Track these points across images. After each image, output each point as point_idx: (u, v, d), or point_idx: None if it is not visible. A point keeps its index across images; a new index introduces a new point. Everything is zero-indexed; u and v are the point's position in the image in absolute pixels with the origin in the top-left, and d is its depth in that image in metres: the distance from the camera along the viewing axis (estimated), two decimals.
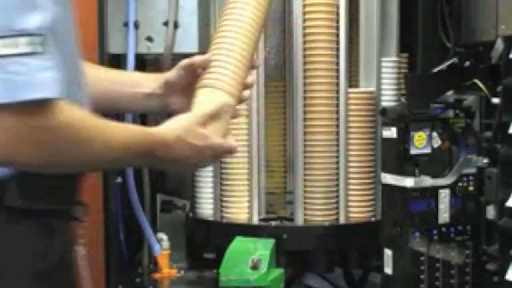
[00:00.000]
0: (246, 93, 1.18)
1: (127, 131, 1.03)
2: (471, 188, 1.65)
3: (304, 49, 1.72)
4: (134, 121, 1.76)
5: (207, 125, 1.09)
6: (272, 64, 1.83)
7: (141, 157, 1.03)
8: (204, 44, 1.74)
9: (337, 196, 1.75)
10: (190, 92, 1.16)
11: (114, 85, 1.24)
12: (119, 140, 0.99)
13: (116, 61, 1.81)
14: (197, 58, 1.17)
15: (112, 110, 1.27)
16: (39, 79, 0.88)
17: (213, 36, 1.20)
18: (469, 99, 1.68)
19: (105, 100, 1.22)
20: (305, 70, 1.73)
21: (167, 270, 1.80)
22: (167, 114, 1.20)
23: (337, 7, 1.72)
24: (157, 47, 1.76)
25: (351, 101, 1.75)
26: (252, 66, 1.20)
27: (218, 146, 1.10)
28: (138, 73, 1.35)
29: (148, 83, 1.23)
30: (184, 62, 1.20)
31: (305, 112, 1.74)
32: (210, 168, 1.78)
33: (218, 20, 1.24)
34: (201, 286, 1.75)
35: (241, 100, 1.18)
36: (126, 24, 1.77)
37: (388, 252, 1.63)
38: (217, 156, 1.13)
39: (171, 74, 1.22)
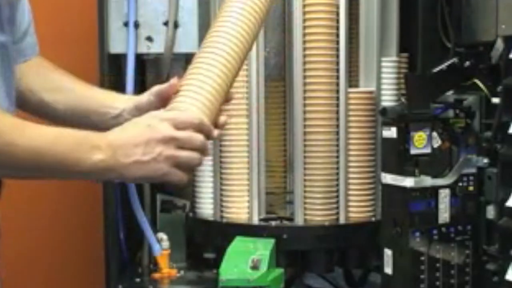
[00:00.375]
0: (215, 132, 1.13)
1: (51, 133, 1.03)
2: (471, 188, 1.64)
3: (304, 49, 1.72)
4: None
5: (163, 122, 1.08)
6: (272, 64, 1.83)
7: (75, 160, 1.02)
8: None
9: (337, 196, 1.75)
10: None
11: (84, 101, 1.25)
12: (41, 140, 1.00)
13: (116, 61, 1.80)
14: (165, 85, 1.17)
15: (80, 127, 1.25)
16: None
17: (192, 59, 1.18)
18: (469, 99, 1.68)
19: (73, 116, 1.24)
20: (305, 70, 1.73)
21: (167, 270, 1.80)
22: None
23: (337, 7, 1.72)
24: (157, 47, 1.76)
25: (351, 101, 1.75)
26: (227, 99, 1.17)
27: (181, 136, 1.07)
28: (112, 92, 1.34)
29: (118, 103, 1.24)
30: (154, 88, 1.20)
31: (305, 112, 1.73)
32: (210, 168, 1.78)
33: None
34: (201, 286, 1.75)
35: (210, 136, 1.12)
36: (126, 24, 1.76)
37: (388, 252, 1.63)
38: (182, 148, 1.08)
39: (143, 99, 1.23)
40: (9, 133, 0.98)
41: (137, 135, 1.07)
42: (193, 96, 1.11)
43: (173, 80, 1.16)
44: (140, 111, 1.20)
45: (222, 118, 1.16)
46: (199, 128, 1.10)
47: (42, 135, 1.02)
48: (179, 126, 1.08)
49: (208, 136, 1.11)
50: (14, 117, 1.02)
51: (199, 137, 1.10)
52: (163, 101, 1.17)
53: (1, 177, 1.09)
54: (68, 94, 1.26)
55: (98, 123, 1.24)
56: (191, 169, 1.12)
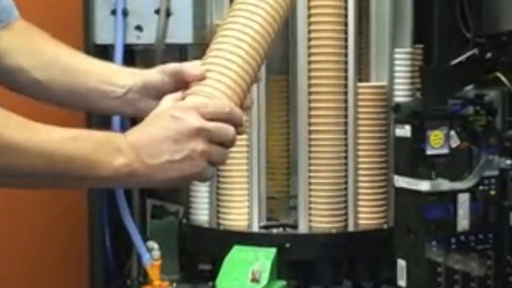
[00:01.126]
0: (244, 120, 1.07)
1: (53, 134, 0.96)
2: (493, 192, 1.64)
3: (309, 39, 1.72)
4: (123, 126, 1.75)
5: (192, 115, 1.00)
6: (273, 56, 1.82)
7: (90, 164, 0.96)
8: (200, 34, 1.74)
9: (345, 201, 1.75)
10: None
11: (82, 77, 1.15)
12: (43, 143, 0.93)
13: (103, 52, 1.80)
14: (185, 67, 1.08)
15: (78, 108, 1.21)
16: None
17: (215, 35, 1.09)
18: (491, 95, 1.68)
19: (71, 96, 1.15)
20: (309, 62, 1.73)
21: (158, 282, 1.80)
22: None
23: None
24: (148, 37, 1.75)
25: (360, 97, 1.75)
26: (256, 79, 1.10)
27: (212, 127, 1.00)
28: (110, 65, 1.26)
29: (123, 79, 1.14)
30: (169, 67, 1.11)
31: (309, 109, 1.73)
32: None
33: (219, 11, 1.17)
34: None
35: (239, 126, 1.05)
36: (113, 12, 1.76)
37: (401, 263, 1.63)
38: (215, 143, 1.01)
39: (153, 76, 1.13)
40: (17, 136, 0.92)
41: (162, 130, 1.00)
42: (219, 79, 1.04)
43: (196, 64, 1.07)
44: (149, 90, 1.12)
45: (248, 102, 1.09)
46: (229, 118, 1.03)
47: (55, 138, 0.96)
48: (207, 116, 1.01)
49: (237, 126, 1.04)
50: (20, 117, 0.96)
51: (230, 129, 1.03)
52: (179, 84, 1.08)
53: (7, 186, 1.01)
54: (64, 70, 1.16)
55: (99, 103, 1.15)
56: (220, 164, 1.06)
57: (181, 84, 1.08)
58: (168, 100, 1.05)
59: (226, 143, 1.03)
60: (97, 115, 1.73)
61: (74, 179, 0.98)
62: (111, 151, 0.98)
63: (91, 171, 0.97)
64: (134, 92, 1.13)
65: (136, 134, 1.01)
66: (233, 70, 1.05)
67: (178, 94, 1.06)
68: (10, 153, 0.91)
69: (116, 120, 1.75)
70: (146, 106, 1.10)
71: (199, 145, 1.00)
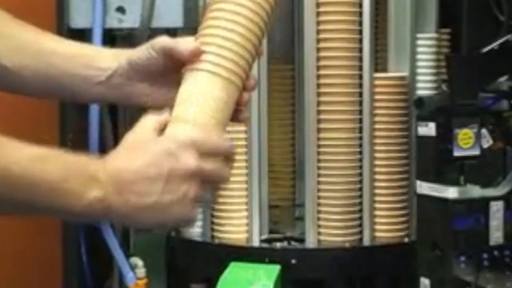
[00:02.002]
0: (245, 96, 1.08)
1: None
2: None
3: (318, 22, 1.71)
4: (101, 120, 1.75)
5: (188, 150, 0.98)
6: (276, 41, 1.84)
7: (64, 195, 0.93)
8: (191, 17, 1.73)
9: (360, 210, 1.75)
10: (165, 82, 1.07)
11: (57, 61, 1.13)
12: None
13: (79, 38, 1.78)
14: (183, 44, 1.05)
15: (50, 97, 1.19)
16: None
17: (207, 9, 1.10)
18: None
19: (45, 84, 1.13)
20: (318, 49, 1.72)
21: None
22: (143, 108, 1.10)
23: None
24: (131, 20, 1.75)
25: (377, 89, 1.74)
26: (257, 53, 1.09)
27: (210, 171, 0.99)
28: (89, 46, 1.26)
29: (105, 62, 1.12)
30: (158, 43, 1.09)
31: (318, 103, 1.73)
32: None
33: None
34: None
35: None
36: None
37: (425, 282, 1.62)
38: (209, 183, 1.00)
39: (139, 54, 1.11)
40: None
41: (153, 166, 0.97)
42: (220, 53, 1.04)
43: (191, 40, 1.06)
44: (137, 71, 1.10)
45: (251, 82, 1.09)
46: (227, 155, 1.02)
47: (20, 158, 0.92)
48: (204, 154, 0.99)
49: (232, 160, 1.04)
50: None
51: (227, 171, 1.02)
52: (171, 63, 1.06)
53: None
54: (36, 54, 1.13)
55: (79, 90, 1.12)
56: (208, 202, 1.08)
57: (173, 62, 1.06)
58: (152, 122, 1.01)
59: (222, 181, 1.03)
60: (71, 109, 1.75)
61: (39, 209, 0.95)
62: (85, 179, 0.95)
63: (58, 201, 0.94)
64: (119, 76, 1.11)
65: (119, 163, 0.98)
66: (234, 42, 1.04)
67: (163, 117, 1.02)
68: None
69: (94, 112, 1.75)
70: (133, 91, 1.10)
71: (192, 189, 0.98)
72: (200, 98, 1.02)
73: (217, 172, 1.00)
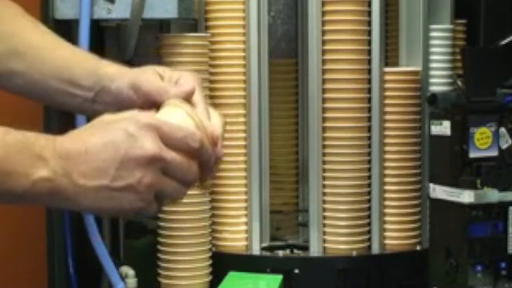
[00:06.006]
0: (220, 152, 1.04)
1: None
2: None
3: (323, 13, 1.72)
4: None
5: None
6: (279, 34, 1.85)
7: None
8: (186, 6, 1.73)
9: (369, 216, 1.75)
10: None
11: (55, 69, 1.16)
12: None
13: (65, 30, 1.79)
14: (156, 91, 1.08)
15: (34, 100, 1.21)
16: None
17: None
18: None
19: (28, 89, 1.17)
20: (324, 42, 1.72)
21: None
22: None
23: None
24: (121, 11, 1.74)
25: (388, 85, 1.75)
26: None
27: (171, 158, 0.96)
28: (84, 57, 1.23)
29: (87, 80, 1.14)
30: (135, 81, 1.10)
31: (323, 100, 1.73)
32: None
33: None
34: None
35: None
36: None
37: None
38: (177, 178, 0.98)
39: (115, 85, 1.12)
40: None
41: (108, 146, 0.96)
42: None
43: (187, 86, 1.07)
44: (117, 105, 1.11)
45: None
46: (196, 153, 0.99)
47: None
48: (168, 142, 0.97)
49: (204, 167, 1.01)
50: None
51: (192, 167, 0.99)
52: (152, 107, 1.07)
53: None
54: (30, 61, 1.16)
55: (65, 103, 1.15)
56: (172, 202, 1.02)
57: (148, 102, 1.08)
58: (129, 113, 1.01)
59: (185, 181, 1.00)
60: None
61: None
62: (29, 159, 0.94)
63: (10, 173, 0.93)
64: (103, 98, 1.13)
65: (70, 141, 0.97)
66: None
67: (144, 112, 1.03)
68: None
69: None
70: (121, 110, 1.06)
71: (148, 177, 0.96)
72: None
73: (180, 166, 0.98)
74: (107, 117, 0.99)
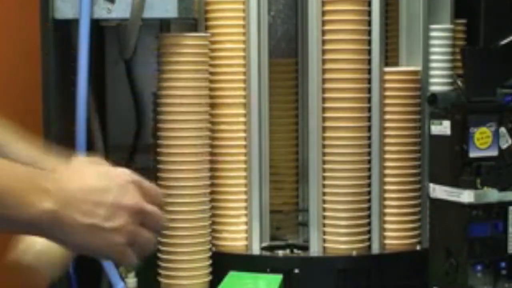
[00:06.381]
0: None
1: None
2: None
3: (324, 13, 1.72)
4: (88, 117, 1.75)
5: None
6: (279, 34, 1.85)
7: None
8: (186, 6, 1.73)
9: (369, 216, 1.75)
10: None
11: None
12: None
13: (64, 30, 1.80)
14: None
15: None
16: None
17: None
18: None
19: None
20: (324, 42, 1.72)
21: None
22: None
23: None
24: (121, 10, 1.74)
25: (387, 85, 1.75)
26: None
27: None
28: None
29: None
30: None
31: (323, 100, 1.73)
32: None
33: None
34: None
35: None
36: None
37: None
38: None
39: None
40: None
41: (102, 190, 1.10)
42: None
43: None
44: None
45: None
46: (162, 203, 1.16)
47: None
48: (147, 197, 1.13)
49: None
50: None
51: (163, 217, 1.16)
52: None
53: None
54: None
55: None
56: (143, 251, 1.15)
57: None
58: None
59: (155, 230, 1.15)
60: (55, 110, 1.75)
61: None
62: (35, 190, 1.04)
63: (9, 208, 1.02)
64: None
65: (69, 179, 1.09)
66: None
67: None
68: None
69: (81, 112, 1.74)
70: None
71: (131, 224, 1.10)
72: None
73: (155, 216, 1.14)
74: (99, 162, 1.17)
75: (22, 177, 1.05)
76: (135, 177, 1.14)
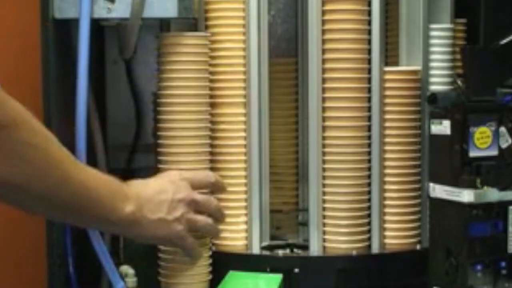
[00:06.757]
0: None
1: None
2: None
3: (324, 13, 1.72)
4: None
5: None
6: (279, 34, 1.85)
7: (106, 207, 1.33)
8: (186, 6, 1.73)
9: (369, 216, 1.75)
10: None
11: None
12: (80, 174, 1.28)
13: (65, 29, 1.80)
14: None
15: None
16: None
17: None
18: None
19: None
20: (324, 42, 1.72)
21: None
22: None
23: None
24: (121, 10, 1.74)
25: (387, 84, 1.75)
26: None
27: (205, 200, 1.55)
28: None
29: None
30: None
31: (323, 99, 1.73)
32: None
33: None
34: None
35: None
36: None
37: None
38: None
39: None
40: (67, 164, 1.25)
41: (162, 191, 1.46)
42: None
43: None
44: None
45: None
46: (215, 187, 1.59)
47: (90, 173, 1.30)
48: (195, 186, 1.52)
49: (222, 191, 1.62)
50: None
51: (214, 202, 1.58)
52: None
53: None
54: None
55: None
56: (212, 234, 1.62)
57: None
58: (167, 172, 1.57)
59: (214, 214, 1.57)
60: (55, 112, 1.76)
61: (88, 216, 1.33)
62: (122, 197, 1.36)
63: (106, 212, 1.33)
64: None
65: (139, 185, 1.43)
66: None
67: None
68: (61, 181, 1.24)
69: (80, 114, 1.74)
70: None
71: (187, 213, 1.48)
72: None
73: (206, 202, 1.54)
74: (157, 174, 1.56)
75: (109, 186, 1.34)
76: (185, 174, 1.52)
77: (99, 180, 1.31)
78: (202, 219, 1.53)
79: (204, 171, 1.58)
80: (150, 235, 1.45)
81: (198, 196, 1.51)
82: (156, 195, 1.44)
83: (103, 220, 1.34)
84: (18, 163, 1.14)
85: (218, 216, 1.58)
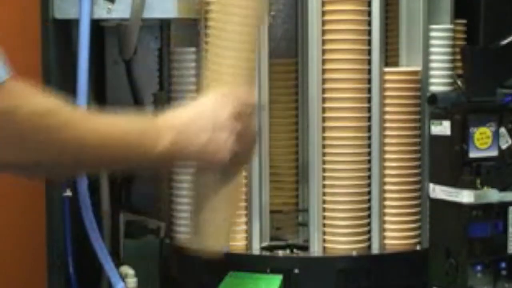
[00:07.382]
0: None
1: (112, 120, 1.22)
2: None
3: (324, 13, 1.72)
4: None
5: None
6: (279, 34, 1.84)
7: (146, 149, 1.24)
8: (186, 6, 1.73)
9: (369, 216, 1.75)
10: None
11: None
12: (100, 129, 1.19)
13: (65, 29, 1.80)
14: None
15: None
16: None
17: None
18: None
19: None
20: (324, 42, 1.72)
21: None
22: None
23: None
24: (121, 10, 1.75)
25: (387, 85, 1.75)
26: None
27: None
28: None
29: None
30: None
31: (323, 100, 1.73)
32: None
33: None
34: None
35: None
36: None
37: None
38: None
39: None
40: (82, 125, 1.18)
41: (201, 114, 1.31)
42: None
43: None
44: None
45: None
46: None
47: (111, 126, 1.22)
48: (236, 112, 1.34)
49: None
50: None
51: (253, 126, 1.40)
52: None
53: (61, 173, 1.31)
54: None
55: None
56: (244, 161, 1.42)
57: None
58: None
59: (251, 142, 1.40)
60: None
61: (126, 163, 1.28)
62: (155, 131, 1.26)
63: (144, 146, 1.24)
64: None
65: (174, 115, 1.31)
66: None
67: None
68: (68, 127, 1.15)
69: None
70: None
71: (233, 133, 1.32)
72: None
73: (246, 125, 1.35)
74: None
75: (149, 123, 1.27)
76: (223, 94, 1.36)
77: (124, 128, 1.24)
78: (247, 127, 1.36)
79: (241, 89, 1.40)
80: (201, 155, 1.31)
81: (240, 107, 1.34)
82: (197, 117, 1.30)
83: (141, 162, 1.28)
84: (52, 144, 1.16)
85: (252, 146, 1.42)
